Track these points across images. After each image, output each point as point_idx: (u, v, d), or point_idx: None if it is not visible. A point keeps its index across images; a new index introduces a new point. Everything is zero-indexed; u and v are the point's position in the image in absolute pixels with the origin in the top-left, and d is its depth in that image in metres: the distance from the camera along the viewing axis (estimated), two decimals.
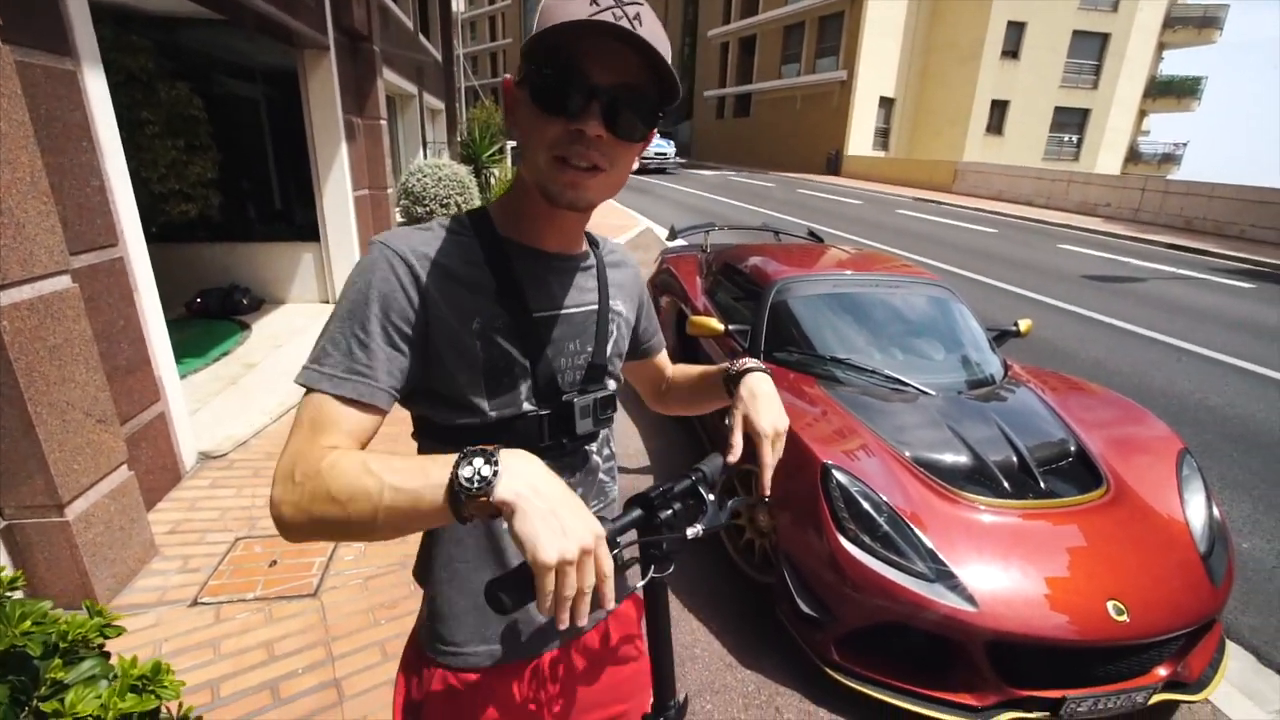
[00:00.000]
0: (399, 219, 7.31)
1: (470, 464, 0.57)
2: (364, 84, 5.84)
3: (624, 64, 0.66)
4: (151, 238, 2.66)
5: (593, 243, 0.91)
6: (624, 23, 0.63)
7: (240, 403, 3.58)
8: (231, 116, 5.58)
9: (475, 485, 0.56)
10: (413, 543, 2.67)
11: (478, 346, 0.74)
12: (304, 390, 0.69)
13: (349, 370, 0.68)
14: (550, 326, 0.80)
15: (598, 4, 0.63)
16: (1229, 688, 2.09)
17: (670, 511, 0.81)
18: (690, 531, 0.79)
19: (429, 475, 0.58)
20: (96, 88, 2.36)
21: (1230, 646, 2.22)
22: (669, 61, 0.67)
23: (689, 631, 2.25)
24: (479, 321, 0.74)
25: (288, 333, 4.83)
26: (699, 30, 35.37)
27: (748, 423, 0.83)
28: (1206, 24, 25.50)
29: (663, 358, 1.08)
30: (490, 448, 0.58)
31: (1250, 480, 3.40)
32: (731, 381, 0.91)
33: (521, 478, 0.57)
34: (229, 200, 5.39)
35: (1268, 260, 10.09)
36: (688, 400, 1.06)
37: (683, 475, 0.87)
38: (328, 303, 5.63)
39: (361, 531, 0.61)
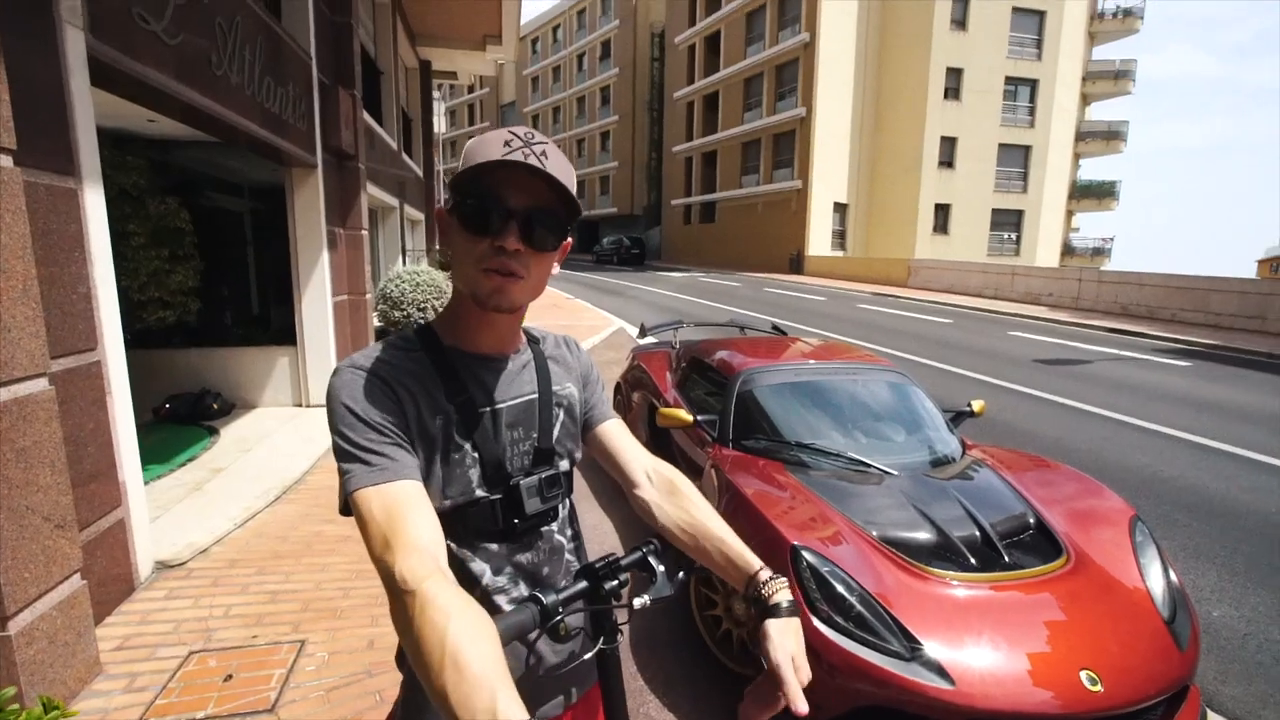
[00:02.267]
0: (376, 323, 7.45)
1: None
2: (348, 198, 6.17)
3: (534, 190, 0.81)
4: (126, 344, 2.71)
5: (532, 339, 1.02)
6: (531, 159, 0.78)
7: (203, 509, 3.48)
8: (216, 227, 5.81)
9: None
10: (380, 649, 2.59)
11: (439, 439, 0.84)
12: (350, 500, 0.76)
13: (376, 470, 0.77)
14: (495, 419, 0.90)
15: (510, 145, 0.79)
16: None
17: (617, 582, 0.86)
18: (637, 602, 0.83)
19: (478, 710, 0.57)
20: (95, 204, 2.50)
21: (1214, 717, 2.21)
22: (571, 188, 0.82)
23: (642, 697, 2.16)
24: (440, 417, 0.85)
25: (257, 437, 4.77)
26: (664, 145, 38.27)
27: (784, 666, 0.82)
28: (1112, 136, 28.63)
29: (608, 431, 1.06)
30: None
31: (1211, 548, 3.48)
32: (764, 609, 0.86)
33: None
34: (207, 306, 5.49)
35: (1199, 340, 10.79)
36: (685, 545, 0.98)
37: (635, 547, 0.93)
38: (301, 406, 5.60)
39: (423, 678, 0.62)
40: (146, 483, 3.16)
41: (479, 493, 0.88)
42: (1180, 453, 5.07)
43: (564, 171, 0.82)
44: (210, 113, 3.71)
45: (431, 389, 0.85)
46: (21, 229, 1.95)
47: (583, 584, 0.85)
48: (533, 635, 0.77)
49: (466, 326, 0.91)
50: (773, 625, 0.85)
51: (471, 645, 0.60)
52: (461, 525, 0.87)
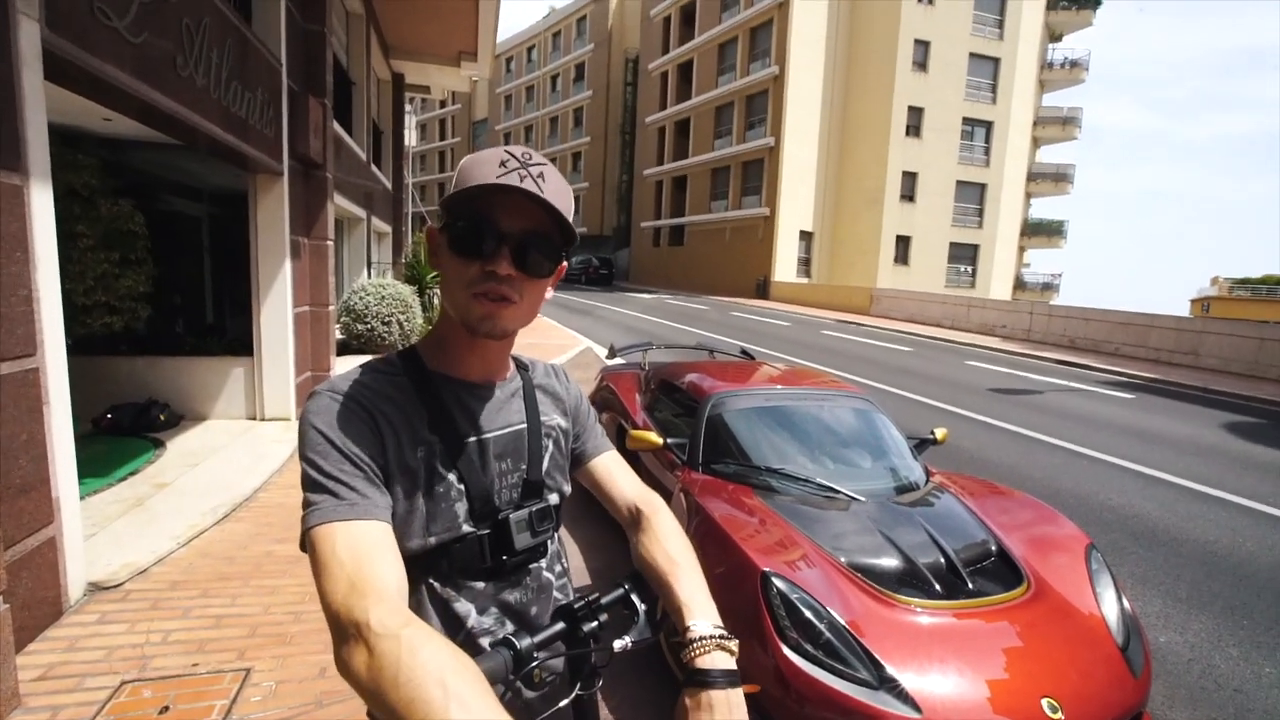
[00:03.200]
0: (339, 335, 7.26)
1: None
2: (314, 207, 6.03)
3: (529, 213, 0.78)
4: (67, 350, 2.56)
5: (521, 366, 0.98)
6: (528, 183, 0.75)
7: (144, 526, 3.29)
8: (172, 232, 5.61)
9: None
10: (333, 676, 2.45)
11: (421, 472, 0.80)
12: (310, 536, 0.70)
13: (345, 504, 0.72)
14: (482, 450, 0.85)
15: (505, 166, 0.76)
16: None
17: (596, 623, 0.81)
18: (618, 644, 0.78)
19: None
20: (42, 203, 2.38)
21: None
22: (568, 213, 0.79)
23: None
24: (423, 449, 0.80)
25: (207, 450, 4.55)
26: (635, 168, 38.73)
27: None
28: (1060, 178, 30.28)
29: (598, 468, 1.03)
30: None
31: (1156, 575, 3.62)
32: (689, 674, 0.75)
33: None
34: (158, 313, 5.27)
35: (1141, 374, 11.35)
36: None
37: (615, 583, 0.88)
38: (255, 419, 5.38)
39: None
40: (82, 498, 2.97)
41: (465, 528, 0.83)
42: (1127, 482, 5.28)
43: (561, 195, 0.79)
44: (173, 114, 3.59)
45: (414, 418, 0.81)
46: None
47: (560, 626, 0.80)
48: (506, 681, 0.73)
49: (454, 352, 0.87)
50: (690, 699, 0.73)
51: (471, 687, 0.57)
52: (446, 563, 0.82)
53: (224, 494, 3.80)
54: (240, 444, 4.76)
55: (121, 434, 4.68)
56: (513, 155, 0.77)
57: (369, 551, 0.68)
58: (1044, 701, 1.82)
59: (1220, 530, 4.31)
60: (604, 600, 0.85)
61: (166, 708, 2.07)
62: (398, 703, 0.56)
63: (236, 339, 5.57)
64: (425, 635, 0.61)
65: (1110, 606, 2.22)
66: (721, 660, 0.76)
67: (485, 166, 0.77)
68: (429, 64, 11.56)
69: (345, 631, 0.62)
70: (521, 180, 0.75)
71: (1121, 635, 2.12)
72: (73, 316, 4.32)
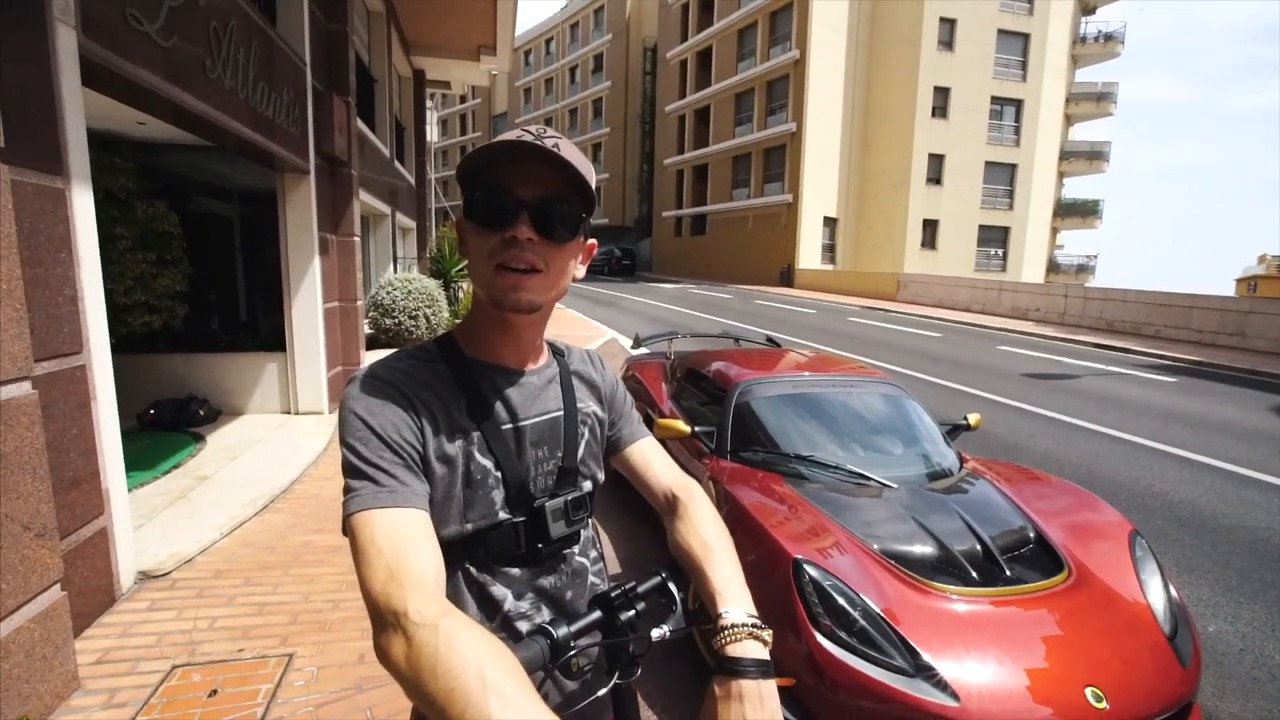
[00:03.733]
0: (367, 329, 7.38)
1: None
2: (340, 204, 6.12)
3: (547, 180, 0.77)
4: (110, 348, 2.65)
5: (557, 352, 0.97)
6: (538, 143, 0.74)
7: (188, 518, 3.40)
8: (205, 231, 5.74)
9: None
10: (371, 662, 2.49)
11: (459, 460, 0.79)
12: (350, 522, 0.71)
13: (385, 491, 0.72)
14: (518, 436, 0.85)
15: (519, 137, 0.76)
16: None
17: (634, 612, 0.80)
18: (656, 633, 0.77)
19: None
20: (83, 205, 2.45)
21: None
22: (587, 176, 0.78)
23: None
24: (461, 437, 0.80)
25: (245, 444, 4.68)
26: (656, 158, 38.52)
27: None
28: (1095, 156, 29.23)
29: (633, 456, 1.02)
30: None
31: (1204, 563, 3.50)
32: (720, 661, 0.74)
33: None
34: (194, 311, 5.41)
35: (1183, 356, 10.95)
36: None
37: (652, 572, 0.87)
38: (289, 413, 5.51)
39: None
40: (130, 490, 3.07)
41: (502, 515, 0.83)
42: (1170, 467, 5.12)
43: (578, 159, 0.78)
44: (203, 116, 3.67)
45: (451, 405, 0.81)
46: (7, 228, 1.90)
47: (596, 614, 0.79)
48: (543, 671, 0.72)
49: (486, 335, 0.86)
50: (720, 687, 0.72)
51: (509, 677, 0.57)
52: (483, 549, 0.82)
53: (262, 486, 3.90)
54: (276, 438, 4.88)
55: (163, 429, 4.84)
56: (527, 130, 0.77)
57: (407, 540, 0.68)
58: (1088, 691, 1.77)
59: (1272, 517, 4.15)
60: (641, 589, 0.84)
61: (215, 691, 2.14)
62: (436, 693, 0.56)
63: (270, 335, 5.70)
64: (463, 624, 0.61)
65: (1156, 594, 2.15)
66: (754, 649, 0.74)
67: (503, 140, 0.78)
68: (449, 59, 11.63)
69: (384, 620, 0.62)
70: (534, 141, 0.75)
71: (1169, 623, 2.05)
72: (114, 316, 4.43)
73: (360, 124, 6.98)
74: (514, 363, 0.88)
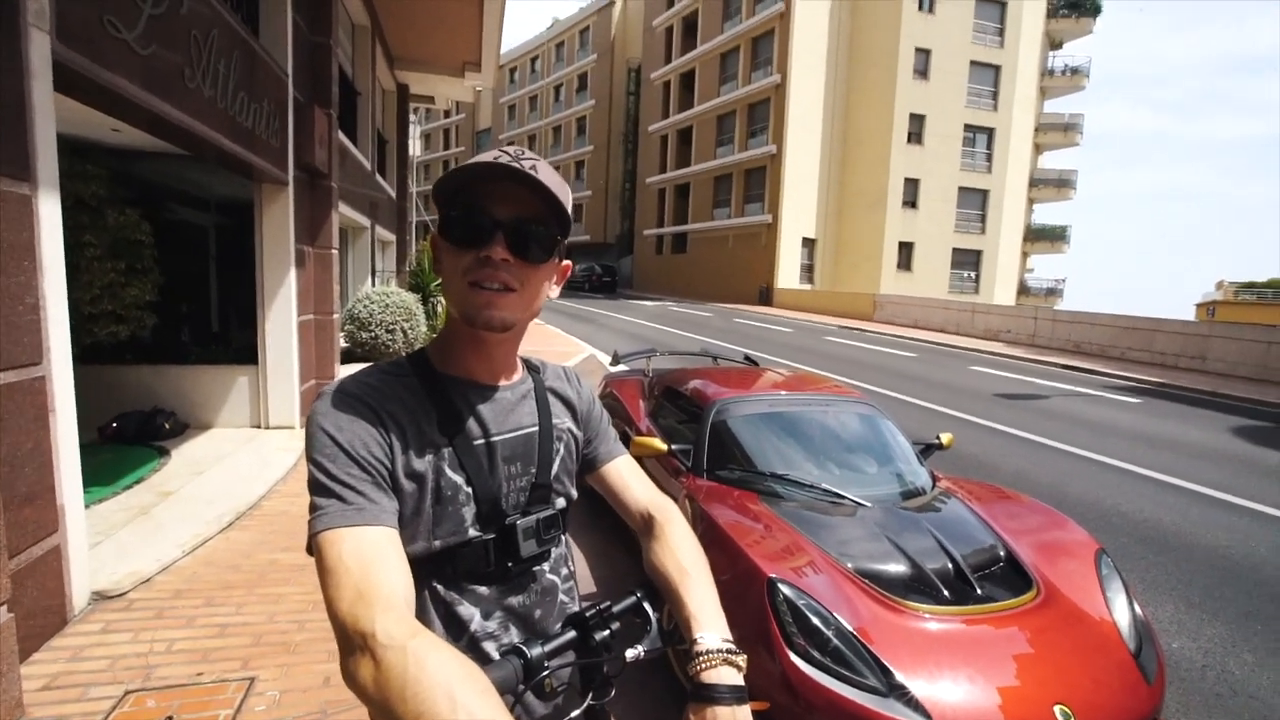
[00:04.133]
0: (343, 343, 7.28)
1: None
2: (318, 216, 6.06)
3: (523, 201, 0.78)
4: (73, 359, 2.57)
5: (532, 369, 0.97)
6: (515, 165, 0.75)
7: (149, 535, 3.28)
8: (178, 241, 5.63)
9: None
10: (337, 685, 2.44)
11: (429, 475, 0.79)
12: (316, 541, 0.70)
13: (353, 509, 0.71)
14: (490, 452, 0.84)
15: (498, 159, 0.77)
16: None
17: (608, 632, 0.79)
18: (630, 653, 0.76)
19: None
20: (50, 212, 2.39)
21: None
22: (562, 200, 0.79)
23: None
24: (431, 452, 0.79)
25: (212, 459, 4.55)
26: (638, 176, 38.90)
27: None
28: (1063, 184, 30.27)
29: (610, 474, 1.02)
30: None
31: (1168, 581, 3.57)
32: (695, 689, 0.75)
33: None
34: (164, 322, 5.28)
35: (1147, 378, 11.29)
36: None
37: (627, 591, 0.86)
38: (259, 427, 5.39)
39: None
40: (88, 506, 2.97)
41: (472, 533, 0.82)
42: (1136, 487, 5.24)
43: (555, 184, 0.79)
44: (181, 125, 3.62)
45: (422, 420, 0.80)
46: None
47: (571, 634, 0.78)
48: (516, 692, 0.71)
49: (460, 351, 0.86)
50: (695, 714, 0.72)
51: (480, 698, 0.56)
52: (451, 567, 0.81)
53: (229, 502, 3.80)
54: (245, 452, 4.76)
55: (127, 443, 4.70)
56: (505, 151, 0.78)
57: (375, 559, 0.67)
58: (1056, 709, 1.79)
59: (1232, 535, 4.26)
60: (615, 608, 0.83)
61: (170, 718, 2.06)
62: (405, 715, 0.55)
63: (242, 348, 5.59)
64: (432, 645, 0.60)
65: (1122, 612, 2.19)
66: (729, 676, 0.74)
67: (480, 160, 0.78)
68: (433, 74, 11.66)
69: (351, 642, 0.61)
70: (509, 163, 0.76)
71: (1134, 641, 2.09)
72: (79, 325, 4.33)
73: (341, 136, 6.95)
74: (487, 378, 0.88)
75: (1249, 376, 11.65)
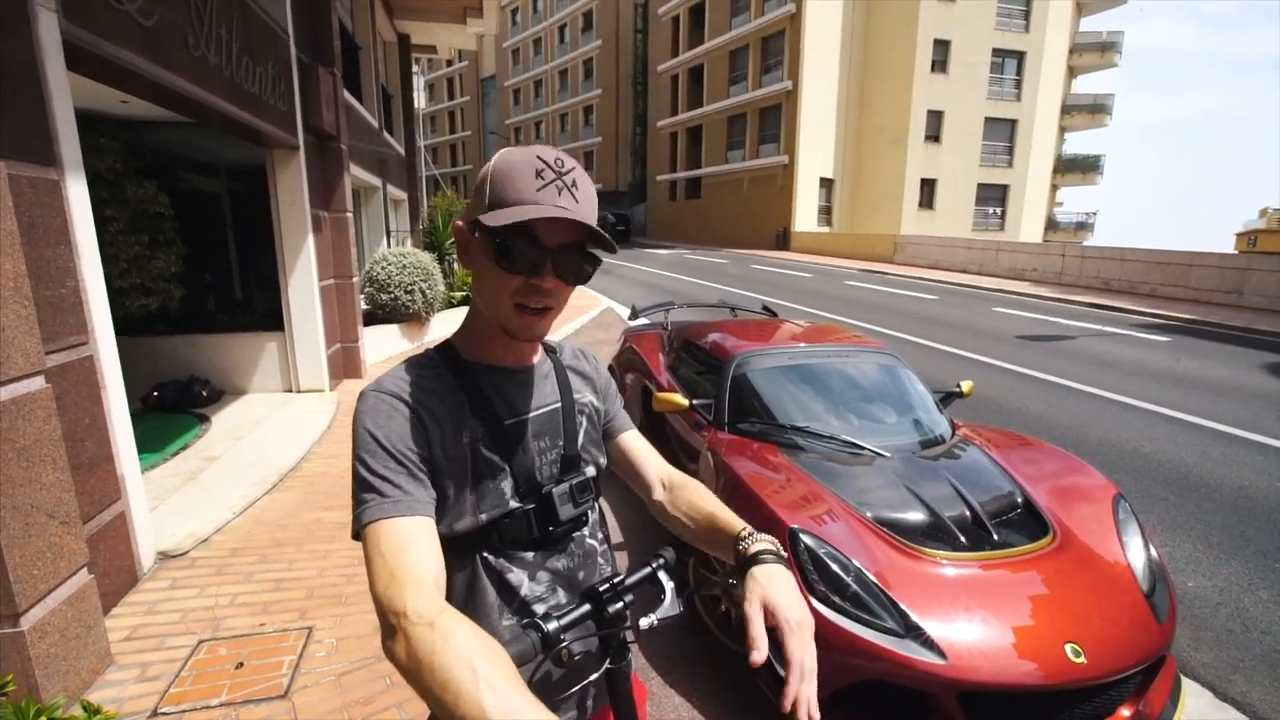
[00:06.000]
0: (364, 305, 7.38)
1: None
2: (331, 179, 6.06)
3: (571, 227, 0.81)
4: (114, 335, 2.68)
5: (550, 349, 1.04)
6: (565, 196, 0.79)
7: (201, 498, 3.48)
8: (196, 211, 5.69)
9: None
10: None
11: (468, 457, 0.86)
12: (362, 533, 0.77)
13: (390, 501, 0.78)
14: (521, 430, 0.91)
15: (542, 178, 0.79)
16: None
17: (622, 604, 0.86)
18: (644, 622, 0.83)
19: None
20: (77, 194, 2.45)
21: (1187, 684, 2.33)
22: (597, 221, 0.83)
23: (672, 709, 2.24)
24: (467, 435, 0.86)
25: (249, 424, 4.74)
26: (649, 120, 37.75)
27: (770, 612, 0.77)
28: (1098, 110, 28.72)
29: (628, 441, 1.10)
30: None
31: (1187, 521, 3.62)
32: (744, 562, 0.85)
33: None
34: (190, 292, 5.40)
35: (1178, 315, 11.01)
36: (694, 539, 1.01)
37: (643, 563, 0.94)
38: (291, 391, 5.57)
39: (442, 712, 0.63)
40: (142, 473, 3.15)
41: (513, 504, 0.89)
42: (1159, 428, 5.23)
43: (591, 200, 0.83)
44: (188, 95, 3.61)
45: (455, 407, 0.87)
46: (9, 225, 1.91)
47: (585, 608, 0.85)
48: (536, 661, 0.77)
49: (488, 344, 0.92)
50: (749, 573, 0.82)
51: (498, 669, 0.63)
52: (497, 537, 0.89)
53: (270, 465, 3.98)
54: (280, 416, 4.95)
55: (168, 411, 4.90)
56: (547, 164, 0.80)
57: (407, 545, 0.75)
58: (1067, 646, 1.88)
59: (1256, 474, 4.27)
60: (629, 581, 0.90)
61: (241, 664, 2.25)
62: (433, 685, 0.62)
63: (267, 314, 5.72)
64: (457, 622, 0.67)
65: (1136, 554, 2.25)
66: (768, 544, 0.86)
67: (524, 178, 0.79)
68: (434, 22, 11.28)
69: (387, 621, 0.69)
70: (560, 193, 0.79)
71: (1147, 582, 2.15)
72: (111, 300, 4.44)
73: (347, 94, 6.84)
74: (513, 363, 0.95)
75: None
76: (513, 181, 0.80)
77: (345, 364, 6.29)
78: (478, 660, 0.63)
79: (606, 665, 0.88)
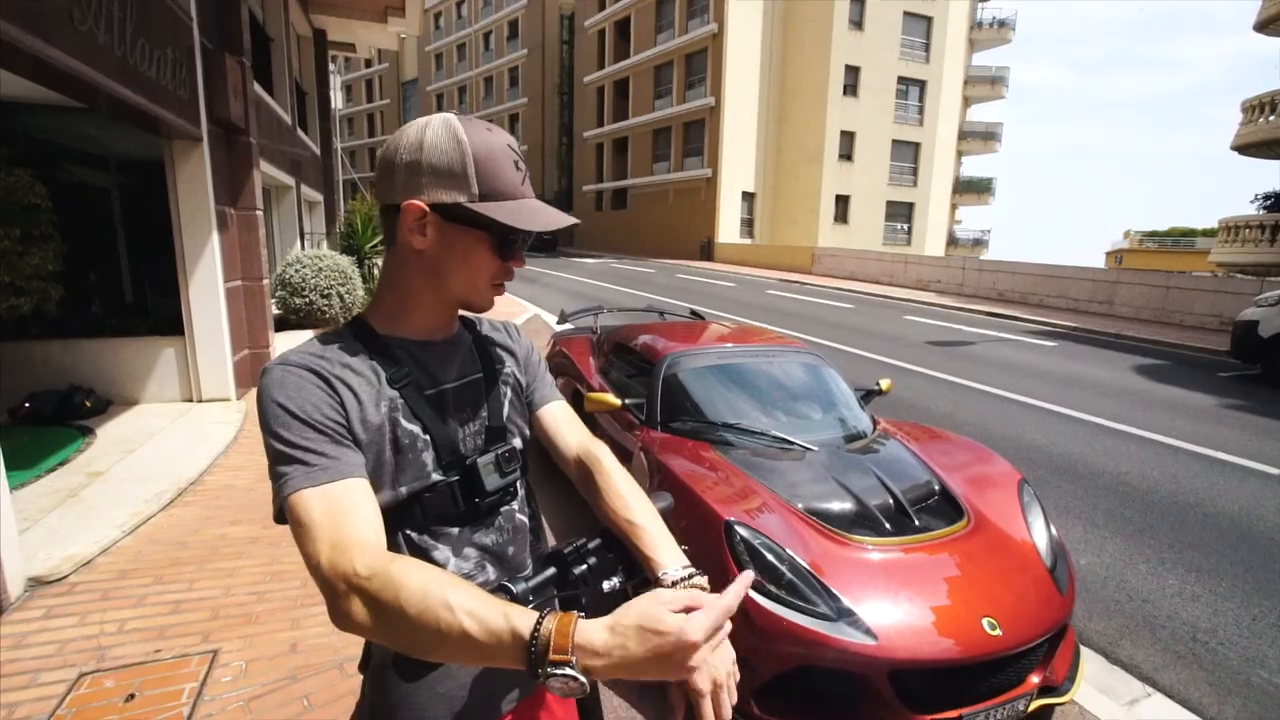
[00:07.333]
0: (275, 310, 6.92)
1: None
2: (239, 175, 5.66)
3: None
4: None
5: (466, 323, 1.01)
6: (527, 182, 0.86)
7: (84, 516, 3.12)
8: (79, 204, 5.16)
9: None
10: (304, 651, 2.47)
11: (386, 427, 0.81)
12: (286, 505, 0.72)
13: (316, 469, 0.73)
14: (442, 400, 0.88)
15: (519, 169, 0.84)
16: (1089, 688, 2.36)
17: (585, 566, 0.83)
18: (606, 585, 0.81)
19: (508, 618, 0.60)
20: None
21: (1084, 651, 2.54)
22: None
23: (610, 710, 2.20)
24: (385, 405, 0.81)
25: (142, 435, 4.32)
26: (575, 131, 37.79)
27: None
28: (989, 136, 31.47)
29: (549, 414, 1.04)
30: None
31: (1077, 506, 3.97)
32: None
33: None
34: (72, 293, 4.87)
35: (1062, 323, 12.15)
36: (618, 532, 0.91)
37: (600, 530, 0.91)
38: (192, 401, 5.12)
39: (424, 650, 0.63)
40: (11, 491, 2.79)
41: (435, 476, 0.85)
42: (1050, 423, 5.72)
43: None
44: (73, 72, 3.27)
45: (372, 378, 0.82)
46: None
47: (551, 570, 0.82)
48: None
49: (413, 316, 0.88)
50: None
51: (469, 591, 0.63)
52: (420, 512, 0.84)
53: (167, 479, 3.63)
54: (178, 427, 4.54)
55: (44, 423, 4.38)
56: (516, 154, 0.85)
57: (346, 510, 0.70)
58: (984, 621, 2.00)
59: (1131, 462, 4.74)
60: (590, 545, 0.87)
61: (133, 695, 2.02)
62: (410, 619, 0.61)
63: (164, 318, 5.24)
64: (415, 563, 0.66)
65: (1040, 534, 2.44)
66: (696, 577, 0.80)
67: (505, 169, 0.82)
68: (352, 19, 10.85)
69: (335, 588, 0.64)
70: (525, 182, 0.85)
71: (1050, 559, 2.33)
72: None
73: (258, 88, 6.43)
74: (431, 336, 0.91)
75: (1150, 319, 12.71)
76: (501, 173, 0.81)
77: (254, 371, 5.85)
78: (444, 579, 0.63)
79: None
